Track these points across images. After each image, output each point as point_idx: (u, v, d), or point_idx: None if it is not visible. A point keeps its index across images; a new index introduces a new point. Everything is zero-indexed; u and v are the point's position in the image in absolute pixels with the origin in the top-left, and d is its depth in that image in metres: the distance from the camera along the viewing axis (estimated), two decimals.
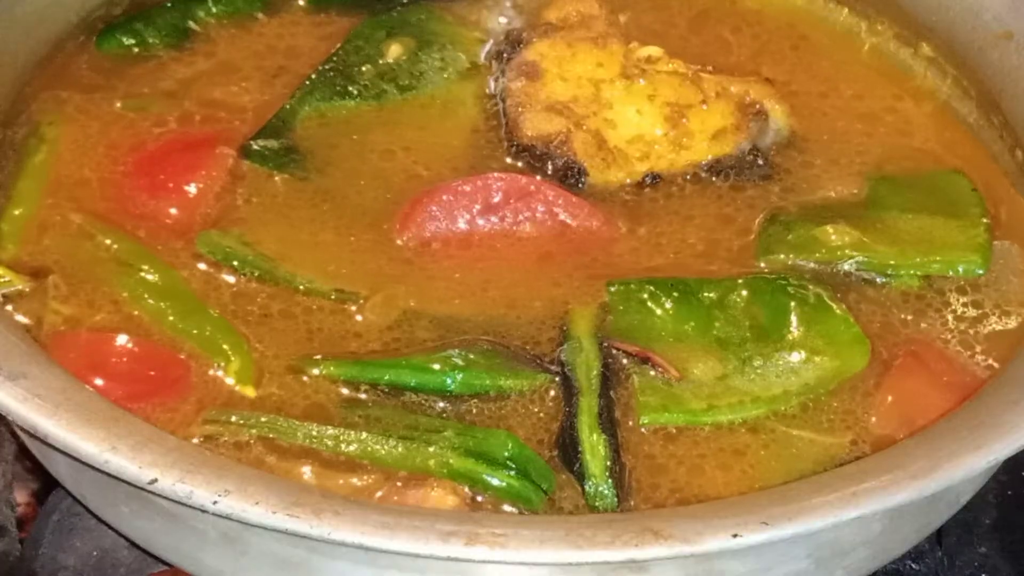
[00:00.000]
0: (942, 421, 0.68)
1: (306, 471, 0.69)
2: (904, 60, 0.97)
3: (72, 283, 0.77)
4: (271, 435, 0.70)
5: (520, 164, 0.86)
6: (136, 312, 0.76)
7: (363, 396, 0.73)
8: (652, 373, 0.74)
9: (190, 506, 0.59)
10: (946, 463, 0.62)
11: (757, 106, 0.88)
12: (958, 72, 0.94)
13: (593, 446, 0.70)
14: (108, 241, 0.79)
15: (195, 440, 0.70)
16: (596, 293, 0.78)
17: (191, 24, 0.95)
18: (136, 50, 0.93)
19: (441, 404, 0.72)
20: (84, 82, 0.90)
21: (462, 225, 0.82)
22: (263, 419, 0.70)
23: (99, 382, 0.71)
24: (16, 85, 0.87)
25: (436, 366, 0.73)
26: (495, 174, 0.83)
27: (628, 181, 0.85)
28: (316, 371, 0.73)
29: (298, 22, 0.97)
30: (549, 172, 0.85)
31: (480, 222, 0.82)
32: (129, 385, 0.72)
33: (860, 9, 1.00)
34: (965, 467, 0.62)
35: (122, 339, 0.74)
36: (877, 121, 0.92)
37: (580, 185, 0.85)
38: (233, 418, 0.70)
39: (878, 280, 0.80)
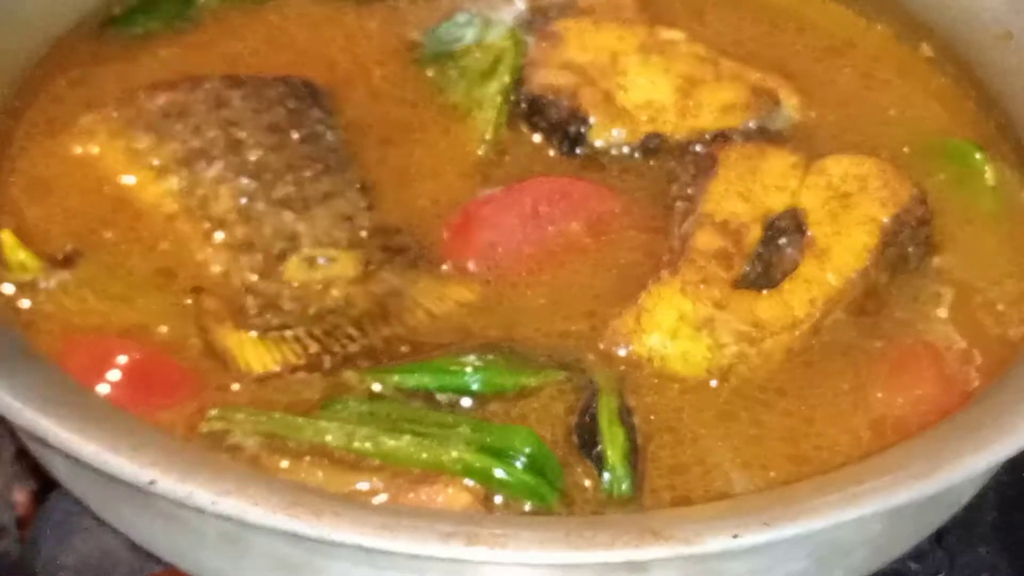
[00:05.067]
0: (942, 421, 0.68)
1: (313, 469, 0.68)
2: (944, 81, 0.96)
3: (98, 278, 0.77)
4: (278, 432, 0.69)
5: (525, 127, 0.87)
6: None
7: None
8: None
9: (190, 506, 0.59)
10: (946, 463, 0.62)
11: (771, 92, 0.89)
12: (958, 72, 0.94)
13: (613, 436, 0.70)
14: None
15: (202, 431, 0.69)
16: (620, 293, 0.78)
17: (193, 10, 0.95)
18: (139, 42, 0.93)
19: (462, 402, 0.72)
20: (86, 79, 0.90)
21: (494, 237, 0.81)
22: (269, 416, 0.70)
23: (102, 385, 0.70)
24: (16, 84, 0.87)
25: (456, 368, 0.72)
26: (534, 180, 0.83)
27: (629, 142, 0.86)
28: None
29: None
30: (553, 120, 0.86)
31: (516, 228, 0.81)
32: (133, 389, 0.71)
33: (860, 9, 1.00)
34: (965, 467, 0.62)
35: (128, 343, 0.73)
36: (891, 117, 0.92)
37: (582, 134, 0.86)
38: (239, 415, 0.70)
39: None
